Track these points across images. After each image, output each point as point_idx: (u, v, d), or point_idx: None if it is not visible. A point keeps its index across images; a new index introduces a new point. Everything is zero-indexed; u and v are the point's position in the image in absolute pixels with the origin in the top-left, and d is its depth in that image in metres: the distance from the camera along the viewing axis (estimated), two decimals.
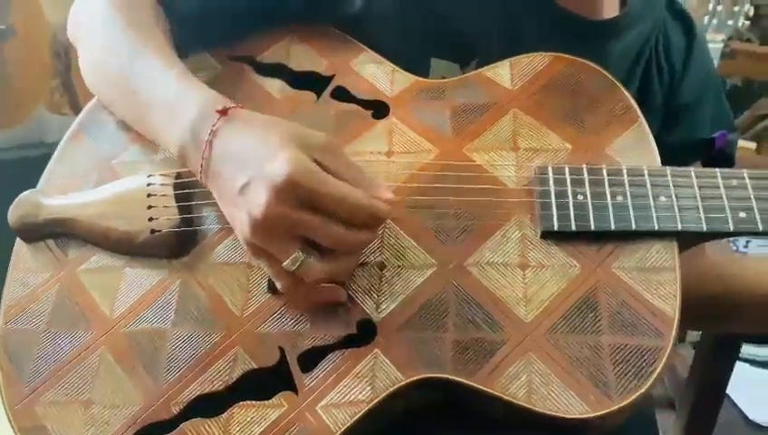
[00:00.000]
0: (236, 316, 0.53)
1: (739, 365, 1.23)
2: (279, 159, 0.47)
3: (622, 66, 0.69)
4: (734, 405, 1.08)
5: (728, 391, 1.11)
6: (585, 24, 0.67)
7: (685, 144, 0.72)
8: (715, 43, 1.67)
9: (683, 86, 0.72)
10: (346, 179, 0.49)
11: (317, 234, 0.48)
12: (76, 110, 1.77)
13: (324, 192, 0.47)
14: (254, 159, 0.49)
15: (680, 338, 1.11)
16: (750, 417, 1.05)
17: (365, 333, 0.51)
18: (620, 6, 0.70)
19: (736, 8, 1.64)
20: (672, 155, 0.71)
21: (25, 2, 1.62)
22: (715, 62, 1.68)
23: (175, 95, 0.55)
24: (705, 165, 0.74)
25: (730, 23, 1.65)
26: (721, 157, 0.73)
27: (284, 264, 0.48)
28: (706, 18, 1.72)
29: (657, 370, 0.46)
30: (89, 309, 0.56)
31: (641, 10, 0.70)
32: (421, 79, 0.63)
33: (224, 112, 0.52)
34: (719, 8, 1.66)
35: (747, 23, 2.44)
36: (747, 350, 1.22)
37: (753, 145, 2.61)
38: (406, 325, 0.51)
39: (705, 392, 0.92)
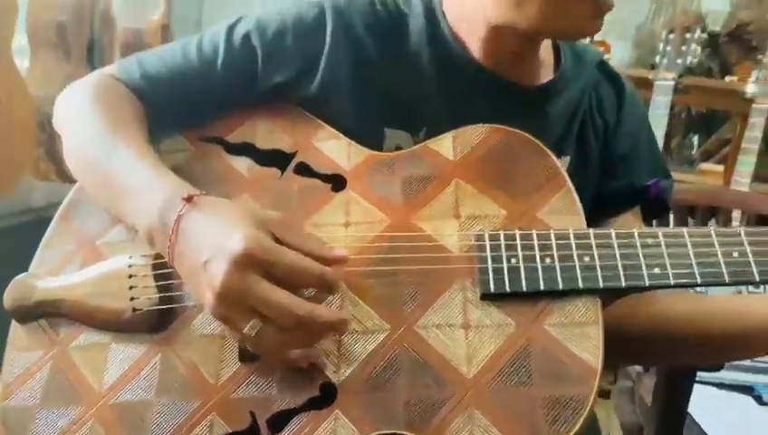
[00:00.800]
0: (212, 385, 0.59)
1: (703, 388, 1.29)
2: (236, 236, 0.54)
3: (560, 124, 0.76)
4: (700, 428, 1.14)
5: (693, 412, 1.17)
6: (524, 91, 0.75)
7: (623, 192, 0.78)
8: (666, 81, 1.77)
9: (617, 139, 0.79)
10: (300, 248, 0.56)
11: (269, 310, 0.53)
12: (61, 176, 1.81)
13: (277, 261, 0.54)
14: (215, 238, 0.55)
15: (645, 369, 1.17)
16: None
17: (327, 396, 0.57)
18: (555, 70, 0.78)
19: (684, 48, 1.74)
20: (612, 202, 0.78)
21: (8, 77, 1.68)
22: (669, 99, 1.78)
23: (146, 184, 0.62)
24: (643, 210, 0.81)
25: (679, 61, 1.75)
26: (657, 202, 0.80)
27: (244, 330, 0.54)
28: (657, 58, 1.82)
29: (583, 415, 0.52)
30: (79, 384, 0.62)
31: (573, 73, 0.78)
32: (375, 152, 0.70)
33: (189, 200, 0.59)
34: (668, 48, 1.77)
35: (700, 57, 2.56)
36: (711, 374, 1.29)
37: (720, 168, 2.71)
38: (363, 386, 0.57)
39: (667, 417, 0.98)
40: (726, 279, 0.56)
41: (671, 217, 1.43)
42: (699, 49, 1.72)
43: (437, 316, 0.59)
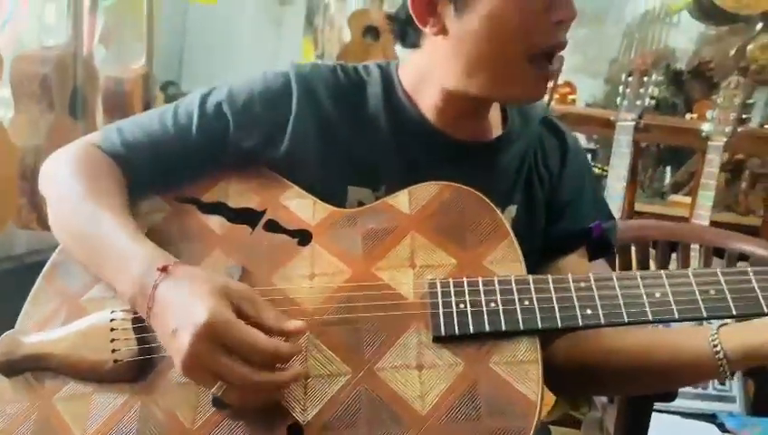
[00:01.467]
0: (188, 429, 0.64)
1: (668, 417, 1.34)
2: (201, 308, 0.60)
3: (508, 175, 0.83)
4: None
5: None
6: (474, 148, 0.82)
7: (568, 235, 0.85)
8: (626, 121, 1.86)
9: (561, 187, 0.86)
10: (262, 320, 0.62)
11: (228, 377, 0.60)
12: (42, 224, 1.85)
13: (236, 338, 0.60)
14: (183, 309, 0.62)
15: (610, 399, 1.22)
16: None
17: None
18: (503, 125, 0.85)
19: (642, 90, 1.83)
20: (560, 245, 0.84)
21: None
22: (630, 138, 1.87)
23: (126, 253, 0.68)
24: (589, 251, 0.87)
25: (638, 103, 1.84)
26: (600, 243, 0.87)
27: (212, 390, 0.61)
28: (618, 99, 1.92)
29: None
30: (63, 433, 0.66)
31: (520, 129, 0.85)
32: (338, 209, 0.76)
33: (164, 270, 0.65)
34: (628, 91, 1.86)
35: (665, 93, 2.67)
36: (675, 403, 1.34)
37: (689, 199, 2.81)
38: (327, 425, 0.62)
39: None
40: (650, 317, 0.62)
41: (633, 252, 1.50)
42: (657, 91, 1.82)
43: (395, 359, 0.64)
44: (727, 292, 0.64)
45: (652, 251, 1.55)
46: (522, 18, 0.71)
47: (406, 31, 0.79)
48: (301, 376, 0.63)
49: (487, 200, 0.73)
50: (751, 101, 1.82)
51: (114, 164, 0.78)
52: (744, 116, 1.83)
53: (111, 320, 0.70)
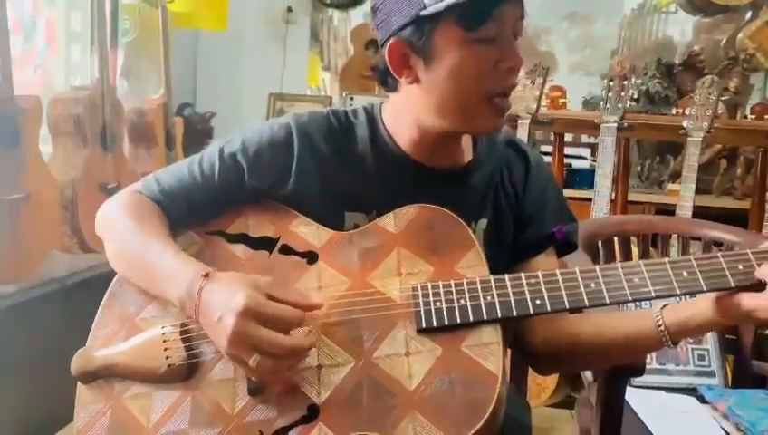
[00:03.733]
0: (230, 414, 0.82)
1: (652, 392, 1.49)
2: (238, 297, 0.78)
3: (479, 194, 0.99)
4: (645, 426, 1.34)
5: (640, 413, 1.37)
6: (448, 173, 0.98)
7: (535, 241, 1.01)
8: (609, 123, 2.01)
9: (525, 200, 1.01)
10: (288, 301, 0.80)
11: (265, 345, 0.77)
12: (83, 248, 2.02)
13: (267, 312, 0.78)
14: (224, 301, 0.80)
15: (594, 378, 1.37)
16: None
17: (312, 413, 0.80)
18: (474, 150, 1.01)
19: (623, 93, 1.98)
20: (529, 249, 1.01)
21: (37, 168, 1.89)
22: (613, 138, 2.01)
23: (175, 268, 0.86)
24: (557, 250, 1.03)
25: (620, 105, 1.99)
26: (565, 243, 1.03)
27: (249, 362, 0.77)
28: (601, 103, 2.07)
29: (489, 409, 0.74)
30: (133, 424, 0.84)
31: (488, 152, 1.01)
32: (338, 232, 0.93)
33: (206, 276, 0.83)
34: (610, 95, 2.02)
35: (658, 87, 2.80)
36: (649, 379, 1.49)
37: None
38: (338, 404, 0.79)
39: (607, 416, 1.18)
40: (587, 303, 0.79)
41: (616, 244, 1.65)
42: (636, 94, 1.96)
43: (388, 348, 0.81)
44: (699, 273, 0.80)
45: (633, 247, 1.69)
46: (478, 70, 0.86)
47: (386, 79, 0.95)
48: (313, 346, 0.81)
49: (457, 217, 0.89)
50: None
51: (156, 206, 0.96)
52: (719, 111, 1.97)
53: (163, 333, 0.88)
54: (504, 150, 1.03)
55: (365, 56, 4.08)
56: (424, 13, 0.84)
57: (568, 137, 3.11)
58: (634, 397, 1.41)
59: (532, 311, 0.80)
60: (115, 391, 0.88)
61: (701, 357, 1.55)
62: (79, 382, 0.90)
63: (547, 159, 2.90)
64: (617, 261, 1.62)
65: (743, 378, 1.54)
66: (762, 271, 0.79)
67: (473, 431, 0.74)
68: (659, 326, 0.86)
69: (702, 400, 1.46)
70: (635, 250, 1.69)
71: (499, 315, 0.80)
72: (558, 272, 0.82)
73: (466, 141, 1.00)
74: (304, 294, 0.85)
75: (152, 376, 0.87)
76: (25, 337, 1.99)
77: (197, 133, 3.14)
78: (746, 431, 1.30)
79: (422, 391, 0.77)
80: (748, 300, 0.80)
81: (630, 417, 1.34)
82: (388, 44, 0.90)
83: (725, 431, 1.32)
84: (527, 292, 0.81)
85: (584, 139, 3.56)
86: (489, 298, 0.81)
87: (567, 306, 0.80)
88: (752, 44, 3.23)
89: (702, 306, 0.85)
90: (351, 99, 3.60)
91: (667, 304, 0.89)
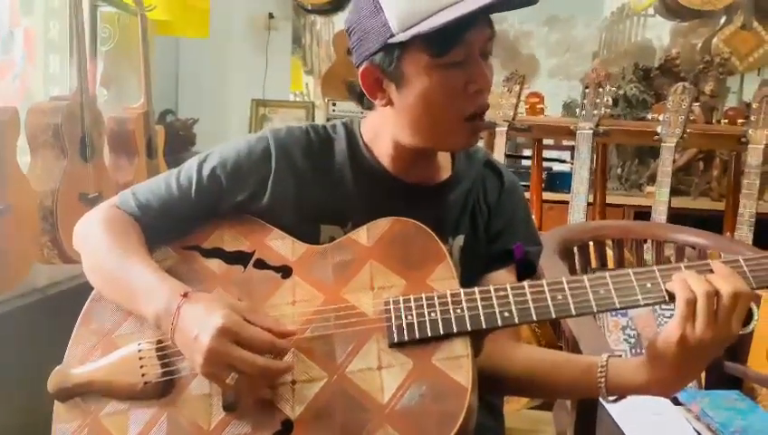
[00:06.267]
0: (205, 430, 0.83)
1: None
2: (216, 316, 0.80)
3: (455, 211, 1.01)
4: (618, 427, 1.36)
5: (614, 415, 1.40)
6: (425, 189, 0.99)
7: (495, 255, 1.01)
8: (584, 130, 2.05)
9: (495, 217, 1.03)
10: (262, 325, 0.82)
11: (240, 365, 0.78)
12: (64, 259, 2.00)
13: (246, 334, 0.80)
14: (202, 319, 0.81)
15: None
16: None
17: (286, 429, 0.81)
18: (452, 167, 1.03)
19: (598, 100, 2.02)
20: (491, 262, 1.01)
21: (16, 180, 1.89)
22: (589, 145, 2.04)
23: (153, 286, 0.87)
24: (519, 271, 1.02)
25: (595, 112, 2.03)
26: (525, 264, 1.03)
27: (227, 381, 0.79)
28: (578, 110, 2.10)
29: (459, 421, 0.76)
30: None
31: (465, 170, 1.03)
32: (312, 246, 0.95)
33: (185, 295, 0.84)
34: (585, 102, 2.05)
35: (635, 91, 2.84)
36: None
37: None
38: (312, 418, 0.80)
39: (581, 420, 1.21)
40: (553, 315, 0.81)
41: (591, 248, 1.68)
42: (611, 101, 2.00)
43: (360, 363, 0.83)
44: (662, 283, 0.80)
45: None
46: (447, 94, 0.88)
47: (362, 99, 0.97)
48: (289, 370, 0.82)
49: (429, 230, 0.90)
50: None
51: (133, 220, 0.97)
52: (695, 114, 2.00)
53: (139, 350, 0.89)
54: (481, 169, 1.04)
55: (347, 62, 4.08)
56: (392, 40, 0.86)
57: (549, 140, 3.16)
58: None
59: (500, 323, 0.82)
60: (92, 409, 0.88)
61: None
62: (56, 400, 0.91)
63: (528, 162, 2.94)
64: (593, 266, 1.65)
65: (717, 379, 1.57)
66: (671, 284, 0.80)
67: None
68: (599, 380, 0.86)
69: (676, 401, 1.49)
70: (610, 253, 1.71)
71: (468, 328, 0.82)
72: (526, 284, 0.84)
73: (445, 158, 1.02)
74: (279, 322, 0.85)
75: (129, 393, 0.87)
76: (6, 348, 1.98)
77: (180, 139, 3.14)
78: (717, 432, 1.33)
79: (394, 404, 0.79)
80: (668, 333, 0.79)
81: (606, 419, 1.37)
82: (361, 68, 0.92)
83: (698, 432, 1.35)
84: (496, 305, 0.83)
85: (565, 141, 3.60)
86: (459, 311, 0.83)
87: (534, 318, 0.82)
88: (726, 48, 3.30)
89: (636, 366, 0.84)
90: (334, 104, 3.62)
91: (616, 355, 0.89)
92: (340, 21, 4.41)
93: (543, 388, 0.96)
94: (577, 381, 0.89)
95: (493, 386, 0.92)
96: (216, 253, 0.96)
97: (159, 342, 0.89)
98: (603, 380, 0.86)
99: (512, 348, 0.96)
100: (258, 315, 0.83)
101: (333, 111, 3.58)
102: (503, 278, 0.98)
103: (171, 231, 0.98)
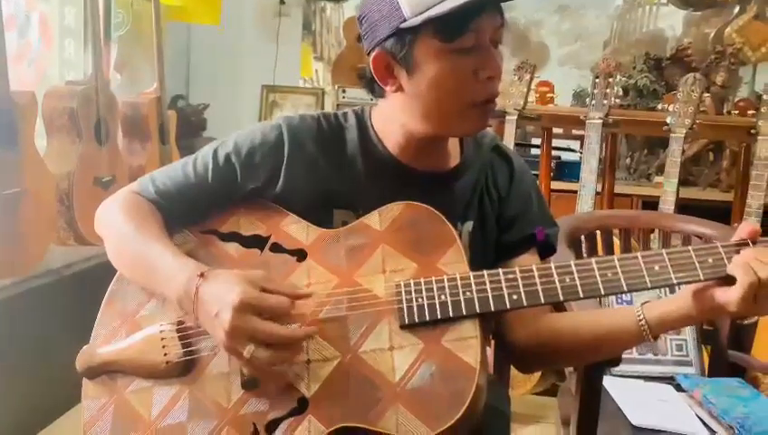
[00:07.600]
0: (225, 407, 0.87)
1: (631, 381, 1.55)
2: (234, 292, 0.83)
3: (464, 197, 1.03)
4: (621, 412, 1.39)
5: (618, 401, 1.43)
6: (434, 176, 1.02)
7: (517, 241, 1.05)
8: (594, 120, 2.06)
9: (509, 203, 1.05)
10: (280, 291, 0.85)
11: (262, 336, 0.81)
12: (78, 240, 2.04)
13: (264, 305, 0.83)
14: (221, 297, 0.84)
15: (574, 369, 1.42)
16: (633, 422, 1.36)
17: (302, 406, 0.84)
18: (461, 153, 1.05)
19: (608, 90, 2.03)
20: (513, 249, 1.05)
21: (33, 163, 1.92)
22: (599, 135, 2.06)
23: (173, 267, 0.91)
24: (540, 252, 1.07)
25: (605, 102, 2.04)
26: (545, 245, 1.07)
27: (244, 353, 0.81)
28: (587, 100, 2.11)
29: (467, 401, 0.79)
30: (135, 417, 0.89)
31: (474, 157, 1.05)
32: (326, 230, 0.97)
33: (202, 275, 0.87)
34: (595, 92, 2.06)
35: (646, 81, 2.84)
36: (629, 368, 1.55)
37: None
38: (326, 397, 0.84)
39: (585, 404, 1.24)
40: (561, 298, 0.84)
41: (598, 237, 1.70)
42: (621, 91, 2.01)
43: (373, 343, 0.86)
44: (669, 266, 0.84)
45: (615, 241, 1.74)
46: (457, 80, 0.90)
47: (373, 86, 0.99)
48: (310, 334, 0.85)
49: (439, 214, 0.93)
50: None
51: (152, 206, 1.01)
52: (706, 104, 2.01)
53: (161, 331, 0.93)
54: (489, 155, 1.07)
55: (357, 48, 4.09)
56: (404, 25, 0.88)
57: (558, 129, 3.17)
58: (614, 385, 1.47)
59: (509, 306, 0.85)
60: (118, 386, 0.92)
61: (679, 347, 1.61)
62: (84, 378, 0.94)
63: (537, 151, 2.96)
64: (599, 254, 1.68)
65: (719, 367, 1.60)
66: (731, 267, 0.83)
67: (452, 421, 0.78)
68: (640, 321, 0.90)
69: (679, 388, 1.52)
70: (617, 242, 1.74)
71: (477, 310, 0.85)
72: (534, 268, 0.86)
73: (453, 145, 1.04)
74: (295, 286, 0.90)
75: (152, 372, 0.91)
76: (23, 329, 2.03)
77: (191, 125, 3.18)
78: (719, 418, 1.35)
79: (405, 383, 0.82)
80: (720, 294, 0.84)
81: (610, 405, 1.40)
82: (372, 55, 0.94)
83: (700, 418, 1.38)
84: (504, 287, 0.85)
85: (575, 130, 3.61)
86: (468, 294, 0.86)
87: (542, 301, 0.85)
88: (739, 39, 3.28)
89: (680, 301, 0.89)
90: (344, 91, 3.63)
91: (648, 301, 0.93)
92: (349, 7, 4.41)
93: (596, 343, 0.98)
94: (621, 328, 0.93)
95: (551, 359, 1.02)
96: (234, 237, 0.99)
97: (180, 322, 0.92)
98: (642, 317, 0.90)
99: (556, 319, 1.00)
100: (274, 283, 0.87)
101: (343, 97, 3.59)
102: (528, 262, 0.99)
103: (189, 216, 1.01)
